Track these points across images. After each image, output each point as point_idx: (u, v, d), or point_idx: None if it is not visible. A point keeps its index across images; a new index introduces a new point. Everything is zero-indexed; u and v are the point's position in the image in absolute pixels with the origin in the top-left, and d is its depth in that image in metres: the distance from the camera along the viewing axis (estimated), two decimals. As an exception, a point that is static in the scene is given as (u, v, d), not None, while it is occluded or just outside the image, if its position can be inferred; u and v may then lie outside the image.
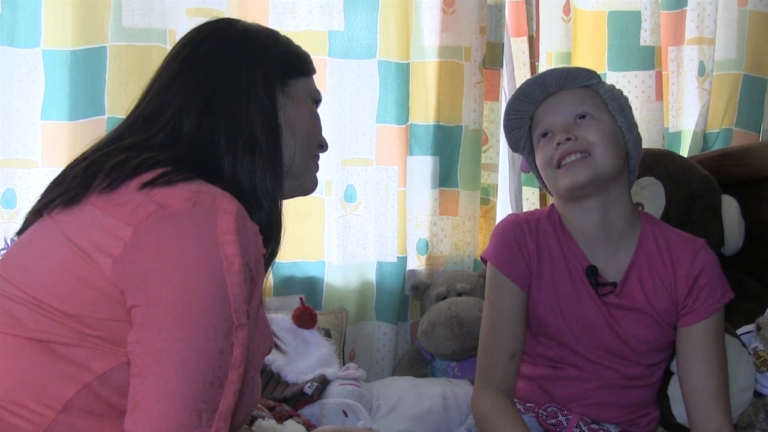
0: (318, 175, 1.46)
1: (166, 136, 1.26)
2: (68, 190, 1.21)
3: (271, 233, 1.31)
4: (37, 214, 1.26)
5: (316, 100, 1.44)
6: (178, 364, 1.06)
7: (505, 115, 1.80)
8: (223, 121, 1.27)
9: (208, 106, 1.27)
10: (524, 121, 1.78)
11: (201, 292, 1.09)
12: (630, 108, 1.79)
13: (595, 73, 1.75)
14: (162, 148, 1.24)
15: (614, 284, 1.74)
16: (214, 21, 1.40)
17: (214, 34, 1.36)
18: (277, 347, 1.45)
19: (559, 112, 1.73)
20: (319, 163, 1.46)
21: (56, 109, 2.43)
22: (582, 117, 1.71)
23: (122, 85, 2.43)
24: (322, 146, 1.46)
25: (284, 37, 1.42)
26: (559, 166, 1.70)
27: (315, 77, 1.46)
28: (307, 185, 1.44)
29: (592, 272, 1.74)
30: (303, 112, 1.38)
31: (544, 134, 1.74)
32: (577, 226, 1.77)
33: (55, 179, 1.29)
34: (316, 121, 1.42)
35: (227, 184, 1.22)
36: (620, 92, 1.78)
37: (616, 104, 1.73)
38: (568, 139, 1.68)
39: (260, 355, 1.30)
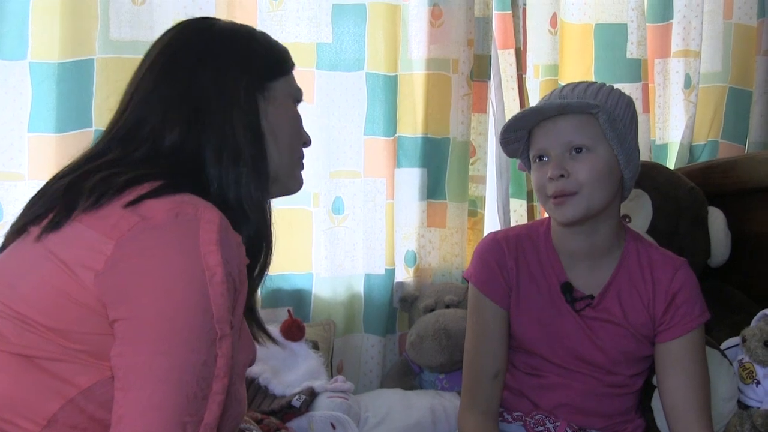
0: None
1: (147, 150, 1.25)
2: (49, 210, 1.20)
3: (260, 245, 1.30)
4: (19, 231, 1.25)
5: (298, 99, 1.43)
6: (161, 376, 1.06)
7: (501, 136, 1.77)
8: (207, 134, 1.26)
9: (192, 120, 1.26)
10: (522, 135, 1.76)
11: (183, 304, 1.09)
12: (633, 123, 1.72)
13: (596, 105, 1.65)
14: (144, 163, 1.23)
15: (591, 297, 1.75)
16: (190, 24, 1.38)
17: (192, 41, 1.33)
18: (270, 338, 1.44)
19: (555, 138, 1.68)
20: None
21: (43, 121, 2.41)
22: (577, 150, 1.66)
23: (110, 97, 2.41)
24: (306, 143, 1.44)
25: (261, 35, 1.40)
26: (549, 196, 1.69)
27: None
28: (291, 187, 1.43)
29: (567, 289, 1.76)
30: (285, 115, 1.37)
31: (540, 157, 1.71)
32: (562, 243, 1.78)
33: (35, 196, 1.28)
34: (298, 121, 1.41)
35: (214, 197, 1.21)
36: (625, 104, 1.71)
37: (614, 134, 1.66)
38: (561, 175, 1.65)
39: (244, 366, 1.30)
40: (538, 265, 1.79)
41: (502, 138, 1.77)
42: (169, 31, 1.37)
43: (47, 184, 1.28)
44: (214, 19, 1.39)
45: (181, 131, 1.25)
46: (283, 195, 1.44)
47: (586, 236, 1.74)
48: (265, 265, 1.35)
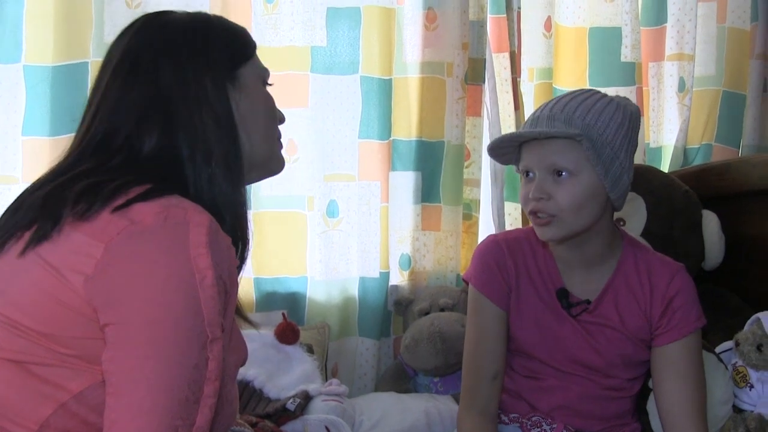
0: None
1: (124, 158, 1.23)
2: (31, 221, 1.18)
3: (236, 243, 1.28)
4: (1, 243, 1.22)
5: (266, 80, 1.40)
6: (152, 380, 1.06)
7: (489, 153, 1.76)
8: (182, 136, 1.24)
9: (165, 122, 1.24)
10: (512, 148, 1.75)
11: (173, 307, 1.08)
12: (627, 143, 1.66)
13: (578, 133, 1.61)
14: (124, 169, 1.21)
15: (588, 302, 1.75)
16: (147, 21, 1.34)
17: (152, 41, 1.30)
18: (248, 321, 1.41)
19: (539, 159, 1.65)
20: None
21: (37, 124, 2.41)
22: (560, 173, 1.63)
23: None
24: (281, 120, 1.42)
25: (218, 20, 1.36)
26: (532, 214, 1.68)
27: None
28: (274, 168, 1.42)
29: (563, 295, 1.76)
30: (257, 100, 1.35)
31: (526, 173, 1.70)
32: (557, 250, 1.78)
33: (10, 208, 1.26)
34: (270, 103, 1.39)
35: (193, 198, 1.20)
36: (617, 125, 1.64)
37: (599, 160, 1.62)
38: (541, 198, 1.63)
39: (235, 367, 1.29)
40: (536, 269, 1.79)
41: (490, 154, 1.77)
42: (125, 32, 1.34)
43: (21, 195, 1.26)
44: (170, 12, 1.35)
45: (158, 135, 1.24)
46: (268, 177, 1.43)
47: (577, 248, 1.74)
48: (242, 261, 1.33)
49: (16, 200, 1.26)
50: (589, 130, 1.62)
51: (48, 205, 1.18)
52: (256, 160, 1.35)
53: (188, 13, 1.36)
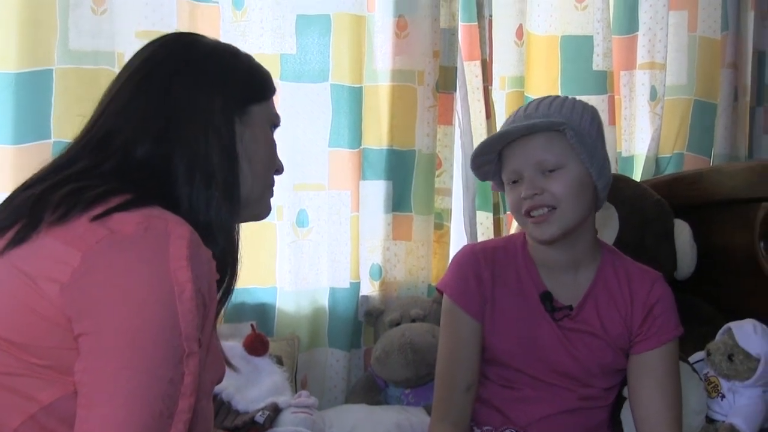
0: (270, 200, 1.43)
1: (117, 162, 1.22)
2: (14, 222, 1.17)
3: (225, 268, 1.28)
4: None
5: (275, 124, 1.41)
6: (125, 393, 1.04)
7: (471, 162, 1.77)
8: (180, 151, 1.23)
9: (164, 134, 1.23)
10: (491, 157, 1.75)
11: (150, 320, 1.06)
12: (601, 134, 1.73)
13: (562, 122, 1.65)
14: (113, 175, 1.20)
15: (570, 307, 1.75)
16: (176, 37, 1.36)
17: (175, 54, 1.31)
18: (229, 365, 1.40)
19: (525, 159, 1.67)
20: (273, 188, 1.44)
21: (0, 132, 2.37)
22: (549, 170, 1.65)
23: (69, 108, 2.39)
24: (278, 170, 1.43)
25: (246, 56, 1.38)
26: (527, 215, 1.68)
27: None
28: (260, 212, 1.41)
29: (547, 298, 1.76)
30: (260, 140, 1.34)
31: (512, 180, 1.71)
32: (540, 256, 1.78)
33: (3, 202, 1.25)
34: (272, 148, 1.39)
35: (184, 215, 1.18)
36: (591, 116, 1.71)
37: (583, 148, 1.66)
38: (535, 193, 1.65)
39: (211, 383, 1.28)
40: (516, 277, 1.79)
41: (472, 164, 1.76)
42: (151, 43, 1.35)
43: (13, 194, 1.25)
44: (200, 35, 1.37)
45: (153, 145, 1.23)
46: (252, 220, 1.42)
47: (565, 251, 1.74)
48: (229, 289, 1.33)
49: (7, 198, 1.25)
50: (569, 120, 1.66)
51: (35, 207, 1.16)
52: (248, 199, 1.34)
53: (218, 42, 1.38)
